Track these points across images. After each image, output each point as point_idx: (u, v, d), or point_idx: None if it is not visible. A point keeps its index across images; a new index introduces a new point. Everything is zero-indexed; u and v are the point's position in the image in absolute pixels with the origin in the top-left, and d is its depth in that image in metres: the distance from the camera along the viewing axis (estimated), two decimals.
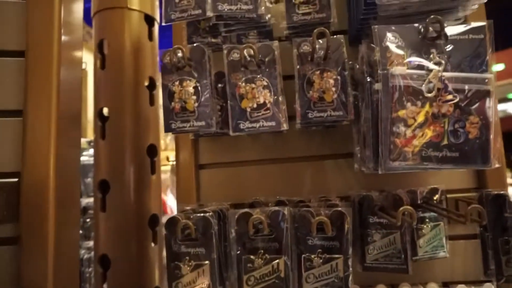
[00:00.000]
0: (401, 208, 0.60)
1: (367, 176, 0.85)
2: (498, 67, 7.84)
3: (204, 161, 0.93)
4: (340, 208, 0.63)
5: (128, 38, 1.17)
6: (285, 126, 0.68)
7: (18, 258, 0.60)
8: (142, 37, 1.20)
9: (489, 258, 0.69)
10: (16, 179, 0.62)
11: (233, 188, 0.91)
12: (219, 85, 0.84)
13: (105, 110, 1.17)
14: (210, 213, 0.64)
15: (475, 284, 0.75)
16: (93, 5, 1.21)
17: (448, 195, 0.82)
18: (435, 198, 0.78)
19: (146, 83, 1.19)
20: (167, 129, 0.69)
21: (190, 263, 0.62)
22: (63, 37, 0.78)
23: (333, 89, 0.69)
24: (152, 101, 1.20)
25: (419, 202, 0.77)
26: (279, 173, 0.90)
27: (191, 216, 0.63)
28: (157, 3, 1.29)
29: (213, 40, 0.83)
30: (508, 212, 0.62)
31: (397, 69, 0.63)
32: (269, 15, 0.75)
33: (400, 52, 0.64)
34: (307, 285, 0.63)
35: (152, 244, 1.14)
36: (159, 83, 1.21)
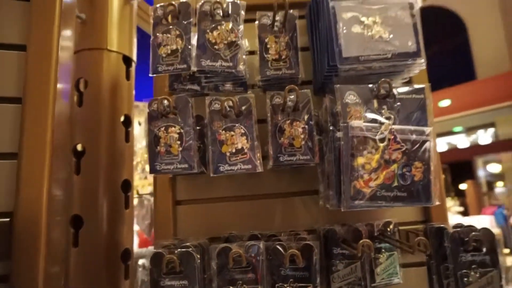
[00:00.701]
0: (360, 241, 0.70)
1: (331, 211, 0.95)
2: (445, 103, 8.59)
3: (181, 197, 0.99)
4: (308, 242, 0.72)
5: (106, 77, 1.23)
6: (260, 169, 0.77)
7: None
8: (119, 77, 1.27)
9: (434, 282, 0.80)
10: (8, 219, 0.65)
11: (208, 223, 0.97)
12: (197, 127, 0.93)
13: (79, 146, 1.20)
14: (192, 248, 0.70)
15: None
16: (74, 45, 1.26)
17: (400, 227, 0.93)
18: (389, 230, 0.89)
19: (122, 119, 1.25)
20: (153, 170, 0.75)
21: None
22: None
23: (302, 136, 0.80)
24: (127, 138, 1.25)
25: (375, 234, 0.88)
26: (252, 209, 0.98)
27: (175, 251, 0.69)
28: (135, 44, 1.37)
29: (192, 87, 0.92)
30: (446, 243, 0.74)
31: (355, 122, 0.75)
32: (245, 69, 0.85)
33: (358, 107, 0.76)
34: None
35: (124, 280, 1.15)
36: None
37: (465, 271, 0.70)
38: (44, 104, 0.71)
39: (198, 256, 0.70)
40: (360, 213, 0.94)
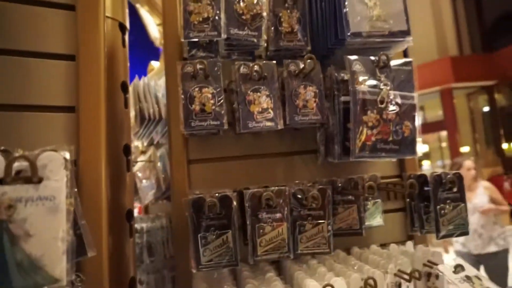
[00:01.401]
0: (366, 184, 0.86)
1: (327, 168, 1.11)
2: None
3: (193, 156, 1.07)
4: (323, 186, 0.86)
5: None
6: (280, 126, 0.89)
7: None
8: (116, 43, 1.28)
9: (415, 219, 0.99)
10: None
11: (219, 180, 1.07)
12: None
13: None
14: (230, 193, 0.81)
15: (402, 243, 1.06)
16: None
17: (382, 180, 1.12)
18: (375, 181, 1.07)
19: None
20: (187, 127, 0.84)
21: (215, 233, 0.78)
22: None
23: (314, 99, 0.93)
24: (126, 104, 1.28)
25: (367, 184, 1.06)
26: (258, 167, 1.10)
27: (215, 195, 0.79)
28: (127, 12, 1.38)
29: (209, 54, 1.00)
30: (428, 186, 0.93)
31: (362, 87, 0.89)
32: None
33: (362, 75, 0.91)
34: (301, 245, 0.84)
35: (129, 238, 1.21)
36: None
37: (442, 205, 0.90)
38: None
39: (235, 202, 0.81)
40: (349, 168, 1.11)
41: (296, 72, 0.92)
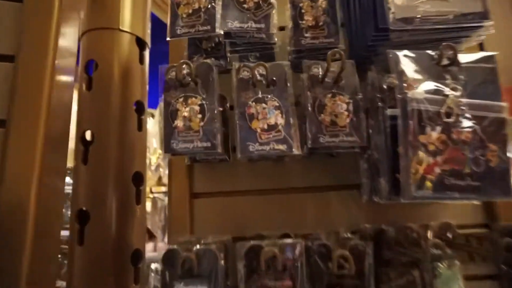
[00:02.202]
0: (429, 240, 0.55)
1: (375, 208, 0.81)
2: None
3: (199, 189, 0.86)
4: (359, 242, 0.57)
5: (118, 60, 1.12)
6: (296, 150, 0.63)
7: None
8: (132, 59, 1.16)
9: None
10: None
11: (230, 220, 0.83)
12: (220, 108, 0.80)
13: (88, 134, 1.09)
14: (215, 245, 0.56)
15: None
16: (81, 26, 1.16)
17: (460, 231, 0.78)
18: (448, 233, 0.74)
19: (134, 106, 1.13)
20: (168, 149, 0.63)
21: None
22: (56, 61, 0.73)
23: (346, 113, 0.66)
24: (140, 126, 1.13)
25: (432, 237, 0.73)
26: (281, 205, 0.84)
27: (194, 249, 0.56)
28: (149, 28, 1.26)
29: (216, 61, 0.79)
30: None
31: (415, 93, 0.60)
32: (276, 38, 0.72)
33: (417, 76, 0.62)
34: None
35: (134, 285, 1.02)
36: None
37: None
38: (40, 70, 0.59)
39: (222, 255, 0.56)
40: (409, 211, 0.79)
41: (320, 76, 0.67)
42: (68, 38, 0.75)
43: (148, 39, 1.23)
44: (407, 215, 0.77)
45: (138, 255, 1.06)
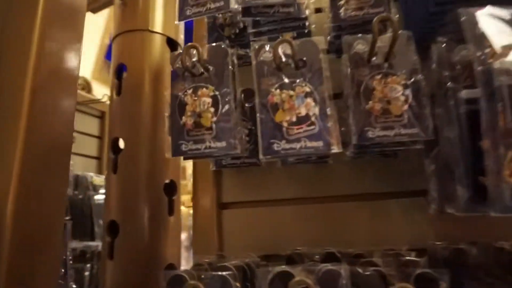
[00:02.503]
0: None
1: (447, 221, 0.63)
2: None
3: (228, 199, 0.74)
4: (427, 270, 0.41)
5: (148, 63, 1.06)
6: (336, 147, 0.49)
7: None
8: (163, 62, 1.09)
9: None
10: None
11: (264, 234, 0.71)
12: (247, 104, 0.68)
13: (121, 142, 1.03)
14: (231, 272, 0.44)
15: None
16: (113, 29, 1.12)
17: None
18: None
19: (167, 113, 1.06)
20: (176, 152, 0.52)
21: None
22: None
23: (402, 98, 0.50)
24: None
25: None
26: (323, 215, 0.69)
27: (202, 276, 0.44)
28: (181, 27, 1.19)
29: (240, 51, 0.68)
30: None
31: (505, 63, 0.43)
32: (308, 10, 0.59)
33: (505, 40, 0.45)
34: None
35: None
36: None
37: None
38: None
39: (238, 285, 0.43)
40: (497, 226, 0.60)
41: (367, 53, 0.52)
42: (61, 42, 0.67)
43: (180, 39, 1.16)
44: (495, 231, 0.57)
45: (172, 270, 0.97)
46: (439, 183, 0.57)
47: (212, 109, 0.51)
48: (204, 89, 0.52)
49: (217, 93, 0.51)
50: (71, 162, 0.69)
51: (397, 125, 0.50)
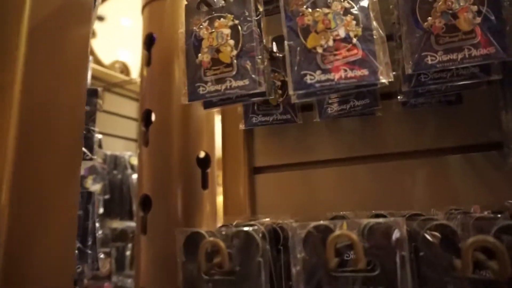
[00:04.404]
0: None
1: None
2: None
3: (261, 162, 0.66)
4: None
5: (177, 31, 1.00)
6: (386, 76, 0.39)
7: None
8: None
9: None
10: None
11: (303, 200, 0.62)
12: (279, 54, 0.59)
13: (153, 114, 0.99)
14: (256, 227, 0.36)
15: None
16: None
17: None
18: None
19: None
20: (193, 96, 0.44)
21: None
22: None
23: (473, 10, 0.39)
24: None
25: None
26: (372, 178, 0.59)
27: (223, 232, 0.36)
28: None
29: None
30: None
31: None
32: None
33: None
34: None
35: None
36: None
37: None
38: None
39: (266, 243, 0.36)
40: None
41: None
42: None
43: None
44: None
45: None
46: None
47: (231, 42, 0.43)
48: (222, 19, 0.44)
49: (236, 22, 0.43)
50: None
51: (466, 45, 0.39)
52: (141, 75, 1.04)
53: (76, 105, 0.58)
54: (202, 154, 0.97)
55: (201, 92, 0.44)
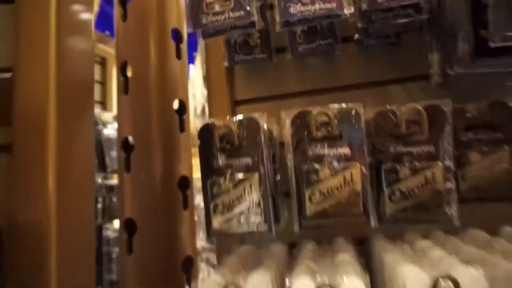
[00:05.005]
0: None
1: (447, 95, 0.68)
2: None
3: (241, 96, 0.78)
4: (437, 103, 0.46)
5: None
6: (347, 10, 0.52)
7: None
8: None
9: None
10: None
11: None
12: None
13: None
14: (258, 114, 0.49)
15: None
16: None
17: None
18: None
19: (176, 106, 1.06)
20: (197, 25, 0.55)
21: (233, 177, 0.47)
22: None
23: None
24: (182, 127, 1.04)
25: None
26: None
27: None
28: (184, 18, 1.15)
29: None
30: None
31: None
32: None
33: None
34: (391, 205, 0.46)
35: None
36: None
37: None
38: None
39: (265, 126, 0.49)
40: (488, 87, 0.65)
41: None
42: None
43: (184, 30, 1.13)
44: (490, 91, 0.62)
45: (189, 262, 0.98)
46: (441, 52, 0.62)
47: None
48: None
49: None
50: None
51: None
52: (118, 101, 1.05)
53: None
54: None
55: (203, 22, 0.55)
